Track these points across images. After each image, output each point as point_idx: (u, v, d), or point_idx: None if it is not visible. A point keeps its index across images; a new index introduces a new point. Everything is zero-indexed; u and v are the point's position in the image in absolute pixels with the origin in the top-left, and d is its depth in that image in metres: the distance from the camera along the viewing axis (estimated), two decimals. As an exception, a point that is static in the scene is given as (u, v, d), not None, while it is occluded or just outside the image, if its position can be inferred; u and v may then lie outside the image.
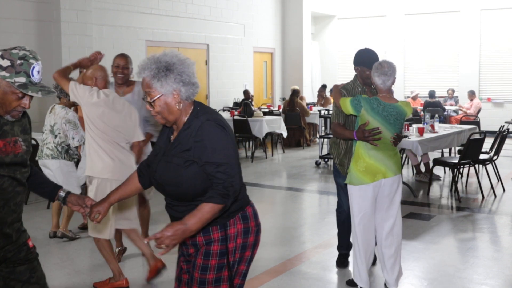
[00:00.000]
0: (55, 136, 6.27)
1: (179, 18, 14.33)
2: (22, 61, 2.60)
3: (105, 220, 4.81)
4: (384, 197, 4.74)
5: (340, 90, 5.08)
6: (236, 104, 15.79)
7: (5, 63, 2.59)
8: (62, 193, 3.08)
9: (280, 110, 15.11)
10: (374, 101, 4.61)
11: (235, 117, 12.85)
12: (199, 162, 2.70)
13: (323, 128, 13.46)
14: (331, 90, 16.89)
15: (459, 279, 5.29)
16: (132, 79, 5.99)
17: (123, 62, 5.89)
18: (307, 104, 15.82)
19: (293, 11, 18.54)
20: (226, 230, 2.84)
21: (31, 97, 2.68)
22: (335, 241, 5.77)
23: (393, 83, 4.69)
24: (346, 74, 18.63)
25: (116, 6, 12.55)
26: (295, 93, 14.39)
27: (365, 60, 5.07)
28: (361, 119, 4.63)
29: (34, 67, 2.63)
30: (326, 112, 13.73)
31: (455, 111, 16.64)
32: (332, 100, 16.73)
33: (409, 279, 5.27)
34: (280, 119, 13.56)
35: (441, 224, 7.17)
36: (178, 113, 2.76)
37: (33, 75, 2.62)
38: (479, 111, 16.13)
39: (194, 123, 2.74)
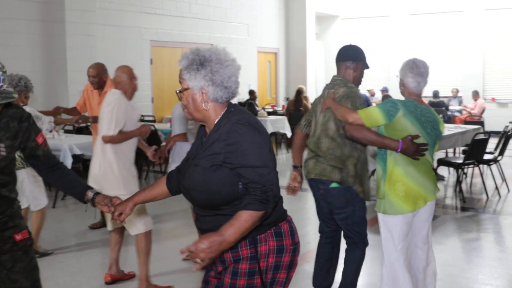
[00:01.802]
0: None
1: (183, 18, 14.34)
2: None
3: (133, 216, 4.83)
4: (422, 222, 4.06)
5: (338, 102, 4.10)
6: (240, 104, 15.78)
7: None
8: (90, 194, 3.06)
9: (285, 110, 15.12)
10: (409, 103, 3.88)
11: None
12: (232, 167, 2.48)
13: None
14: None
15: (464, 279, 5.29)
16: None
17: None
18: (311, 104, 15.82)
19: (297, 11, 18.55)
20: (257, 247, 2.58)
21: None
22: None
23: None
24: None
25: (120, 6, 12.57)
26: (301, 93, 14.40)
27: (364, 56, 4.39)
28: (390, 128, 3.83)
29: None
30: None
31: (459, 111, 16.62)
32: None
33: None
34: (284, 119, 13.57)
35: (446, 224, 7.17)
36: (205, 112, 2.60)
37: None
38: (483, 111, 16.12)
39: (224, 125, 2.54)
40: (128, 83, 4.97)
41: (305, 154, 4.52)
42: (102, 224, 7.05)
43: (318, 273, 4.61)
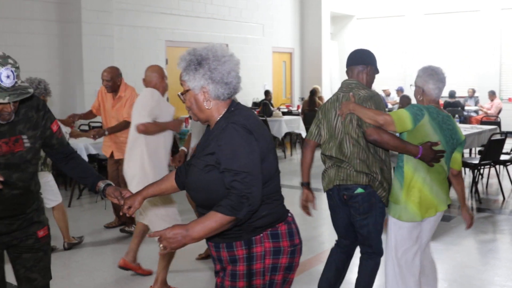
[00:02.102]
0: None
1: (199, 18, 14.37)
2: None
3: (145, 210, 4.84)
4: (426, 231, 4.01)
5: (362, 103, 4.01)
6: (255, 104, 15.82)
7: None
8: (101, 185, 3.11)
9: (299, 110, 15.11)
10: (432, 109, 3.84)
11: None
12: (219, 168, 2.46)
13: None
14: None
15: (480, 280, 5.26)
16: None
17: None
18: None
19: (312, 11, 18.52)
20: (251, 248, 2.57)
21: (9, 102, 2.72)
22: None
23: None
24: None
25: (136, 7, 12.62)
26: (315, 93, 14.38)
27: (375, 60, 4.33)
28: (413, 134, 3.78)
29: (1, 73, 2.64)
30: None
31: (476, 111, 16.52)
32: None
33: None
34: (299, 119, 13.56)
35: (462, 225, 7.12)
36: (208, 112, 2.59)
37: (2, 81, 2.64)
38: (499, 111, 16.01)
39: (221, 125, 2.52)
40: (159, 83, 4.95)
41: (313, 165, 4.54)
42: (117, 223, 7.10)
43: (325, 280, 4.48)
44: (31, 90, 2.73)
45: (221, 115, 2.58)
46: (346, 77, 4.38)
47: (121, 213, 2.93)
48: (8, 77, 2.66)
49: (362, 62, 4.24)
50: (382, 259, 4.20)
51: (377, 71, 4.30)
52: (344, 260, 4.44)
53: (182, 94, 2.61)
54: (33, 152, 2.95)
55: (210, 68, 2.49)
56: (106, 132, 6.50)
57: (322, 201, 9.06)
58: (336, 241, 4.48)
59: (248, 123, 2.51)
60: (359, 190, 4.05)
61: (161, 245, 2.41)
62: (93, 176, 3.16)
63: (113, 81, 6.55)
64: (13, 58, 2.75)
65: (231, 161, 2.42)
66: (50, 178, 6.13)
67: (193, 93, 2.57)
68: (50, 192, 6.07)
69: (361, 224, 4.15)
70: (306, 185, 4.62)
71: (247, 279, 2.58)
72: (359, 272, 4.37)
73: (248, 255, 2.57)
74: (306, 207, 4.65)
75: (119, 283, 5.31)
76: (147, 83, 4.97)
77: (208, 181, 2.51)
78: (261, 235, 2.58)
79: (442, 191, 3.93)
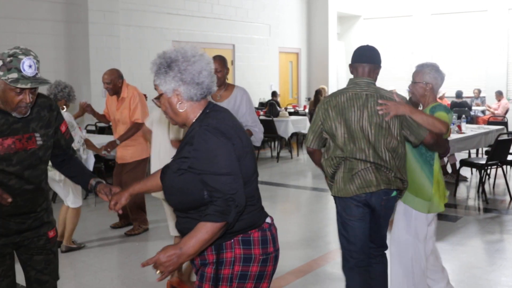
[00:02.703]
0: None
1: (205, 18, 14.39)
2: (11, 58, 2.71)
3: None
4: (434, 221, 4.37)
5: (411, 104, 3.99)
6: (261, 104, 15.82)
7: None
8: (93, 182, 3.14)
9: (306, 110, 15.11)
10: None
11: (261, 117, 12.86)
12: (196, 172, 2.40)
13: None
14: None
15: (486, 281, 5.25)
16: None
17: (217, 65, 5.99)
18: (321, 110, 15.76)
19: (319, 11, 18.52)
20: (221, 253, 2.51)
21: (31, 92, 2.79)
22: None
23: None
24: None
25: (143, 7, 12.65)
26: (320, 93, 14.38)
27: None
28: None
29: (24, 62, 2.71)
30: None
31: (482, 112, 16.48)
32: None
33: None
34: (306, 119, 13.56)
35: (468, 225, 7.11)
36: (183, 114, 2.54)
37: (24, 70, 2.71)
38: (507, 111, 15.96)
39: (195, 128, 2.47)
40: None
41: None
42: (123, 223, 7.11)
43: None
44: (50, 81, 2.81)
45: (196, 118, 2.53)
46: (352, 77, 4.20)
47: (108, 210, 2.94)
48: (30, 66, 2.73)
49: (377, 61, 4.03)
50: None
51: None
52: (368, 279, 4.07)
53: (156, 99, 2.57)
54: (44, 150, 3.00)
55: (180, 69, 2.45)
56: (118, 142, 6.52)
57: (327, 200, 9.08)
58: (353, 262, 4.00)
59: (221, 125, 2.45)
60: (394, 193, 3.94)
61: (157, 272, 2.39)
62: (86, 175, 3.21)
63: (113, 83, 6.50)
64: (34, 52, 2.82)
65: (209, 165, 2.37)
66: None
67: (166, 97, 2.52)
68: (76, 192, 6.12)
69: (383, 227, 4.05)
70: None
71: (213, 283, 2.51)
72: (379, 276, 4.15)
73: (217, 260, 2.51)
74: None
75: (124, 284, 5.32)
76: None
77: (181, 183, 2.45)
78: (232, 240, 2.50)
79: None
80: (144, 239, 6.67)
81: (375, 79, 4.01)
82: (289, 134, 12.80)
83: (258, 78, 16.24)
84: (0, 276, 3.05)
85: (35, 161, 2.96)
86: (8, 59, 2.70)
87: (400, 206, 4.23)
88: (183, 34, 13.80)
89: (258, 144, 4.98)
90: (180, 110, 2.52)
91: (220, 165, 2.36)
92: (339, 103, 3.89)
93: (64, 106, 6.12)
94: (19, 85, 2.69)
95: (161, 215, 7.53)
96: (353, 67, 4.04)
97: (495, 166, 8.77)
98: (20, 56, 2.71)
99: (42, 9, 10.58)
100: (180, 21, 13.69)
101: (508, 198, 8.54)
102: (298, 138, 14.19)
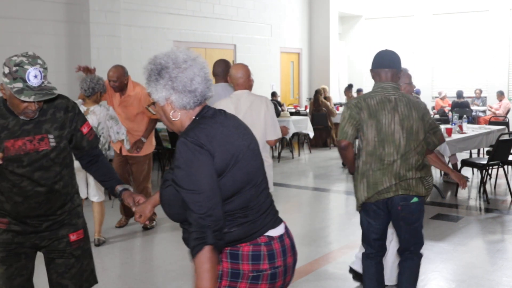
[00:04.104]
0: (100, 136, 5.99)
1: (207, 18, 14.40)
2: (17, 67, 2.71)
3: None
4: None
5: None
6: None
7: (6, 70, 2.73)
8: (119, 188, 3.17)
9: (307, 110, 15.12)
10: None
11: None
12: (175, 186, 2.29)
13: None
14: (358, 90, 16.86)
15: (488, 281, 5.25)
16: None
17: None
18: (334, 105, 15.79)
19: (320, 11, 18.52)
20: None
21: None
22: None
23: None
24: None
25: (144, 7, 12.66)
26: (319, 93, 14.39)
27: None
28: None
29: (29, 72, 2.71)
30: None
31: (484, 112, 16.48)
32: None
33: (436, 281, 5.24)
34: (307, 119, 13.56)
35: (469, 225, 7.11)
36: (177, 123, 2.39)
37: (29, 80, 2.71)
38: (508, 111, 15.96)
39: (179, 138, 2.31)
40: (247, 81, 5.02)
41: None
42: (125, 222, 7.13)
43: None
44: (56, 92, 2.79)
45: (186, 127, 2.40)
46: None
47: (136, 220, 2.95)
48: (35, 76, 2.73)
49: (399, 66, 4.14)
50: None
51: None
52: (382, 272, 4.27)
53: (149, 106, 2.48)
54: (57, 152, 2.98)
55: (171, 77, 2.31)
56: (144, 139, 6.66)
57: (329, 200, 9.08)
58: (368, 254, 4.23)
59: (202, 135, 2.27)
60: (415, 199, 3.97)
61: None
62: (113, 180, 3.23)
63: (120, 80, 6.50)
64: (42, 59, 2.82)
65: (183, 179, 2.24)
66: None
67: (159, 105, 2.38)
68: (96, 186, 6.22)
69: (409, 231, 4.06)
70: None
71: None
72: (403, 274, 4.19)
73: None
74: None
75: (126, 283, 5.32)
76: (239, 83, 4.99)
77: (167, 196, 2.36)
78: (220, 253, 2.35)
79: None
80: (145, 239, 6.68)
81: (397, 84, 4.08)
82: (290, 134, 12.80)
83: (260, 78, 16.23)
84: (13, 274, 3.03)
85: (47, 163, 2.94)
86: (14, 68, 2.70)
87: None
88: (185, 34, 13.81)
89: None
90: (174, 119, 2.38)
91: (192, 181, 2.22)
92: (370, 105, 3.95)
93: (99, 98, 6.25)
94: (22, 97, 2.69)
95: (162, 216, 7.55)
96: (375, 72, 4.10)
97: (496, 166, 8.77)
98: (26, 66, 2.71)
99: (43, 9, 10.58)
100: (181, 21, 13.69)
101: (509, 198, 8.54)
102: (299, 138, 14.19)
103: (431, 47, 19.08)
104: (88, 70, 6.68)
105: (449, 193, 8.99)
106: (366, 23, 20.96)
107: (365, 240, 4.20)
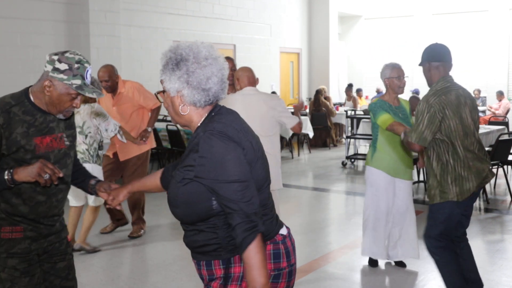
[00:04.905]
0: (86, 136, 5.85)
1: (206, 18, 14.40)
2: (78, 65, 2.78)
3: None
4: None
5: None
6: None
7: (63, 66, 2.75)
8: (93, 182, 3.15)
9: (307, 110, 15.12)
10: None
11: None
12: (204, 182, 2.19)
13: (349, 128, 13.42)
14: (357, 90, 16.86)
15: (487, 281, 5.24)
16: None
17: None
18: (334, 104, 15.80)
19: (319, 11, 18.52)
20: (229, 268, 2.30)
21: (81, 97, 2.86)
22: (361, 242, 5.76)
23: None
24: (373, 74, 18.58)
25: (144, 7, 12.66)
26: (319, 92, 14.39)
27: None
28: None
29: (88, 71, 2.81)
30: (353, 112, 13.66)
31: (483, 112, 16.49)
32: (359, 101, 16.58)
33: (436, 281, 5.24)
34: (306, 119, 13.56)
35: (469, 225, 7.10)
36: (185, 117, 2.33)
37: (86, 78, 2.80)
38: (507, 111, 15.96)
39: (199, 134, 2.26)
40: (253, 81, 5.31)
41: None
42: (112, 228, 6.98)
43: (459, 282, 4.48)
44: (102, 93, 2.87)
45: (201, 121, 2.33)
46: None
47: (106, 206, 2.95)
48: (90, 75, 2.85)
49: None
50: None
51: None
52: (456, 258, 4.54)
53: (158, 93, 2.42)
54: (73, 150, 3.06)
55: (188, 70, 2.24)
56: (149, 129, 6.58)
57: (328, 200, 9.08)
58: (444, 246, 4.44)
59: (228, 129, 2.24)
60: None
61: None
62: (87, 177, 3.22)
63: (112, 79, 6.37)
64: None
65: (218, 172, 2.16)
66: (101, 173, 6.06)
67: (169, 95, 2.32)
68: None
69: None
70: None
71: None
72: (469, 257, 4.64)
73: (225, 275, 2.31)
74: None
75: (125, 284, 5.32)
76: (249, 82, 5.31)
77: (187, 194, 2.25)
78: None
79: None
80: (144, 239, 6.67)
81: None
82: (290, 134, 12.79)
83: (259, 78, 16.17)
84: (37, 284, 2.94)
85: (66, 161, 2.98)
86: (76, 65, 2.75)
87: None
88: (184, 34, 13.81)
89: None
90: (182, 113, 2.32)
91: (230, 172, 2.15)
92: (451, 101, 4.06)
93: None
94: (86, 94, 2.74)
95: (161, 216, 7.55)
96: (433, 66, 4.23)
97: (496, 166, 8.77)
98: (85, 64, 2.79)
99: (43, 9, 10.58)
100: (181, 21, 13.70)
101: (509, 198, 8.54)
102: (299, 138, 14.19)
103: (431, 47, 19.07)
104: None
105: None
106: (365, 23, 20.96)
107: (448, 232, 4.38)
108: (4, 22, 9.95)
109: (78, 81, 2.75)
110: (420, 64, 4.33)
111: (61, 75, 2.74)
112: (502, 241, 6.58)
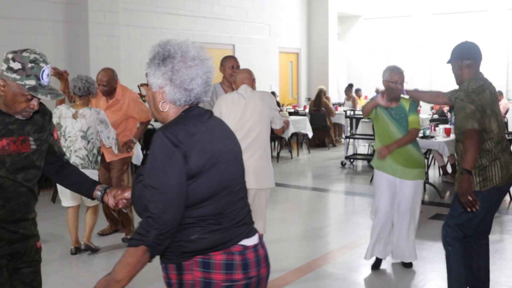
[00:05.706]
0: (88, 142, 5.78)
1: (205, 18, 14.40)
2: (32, 64, 2.63)
3: None
4: None
5: None
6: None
7: (16, 65, 2.62)
8: (98, 193, 2.99)
9: (306, 110, 15.12)
10: None
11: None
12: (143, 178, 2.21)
13: (348, 128, 13.43)
14: (356, 90, 16.86)
15: (486, 281, 5.25)
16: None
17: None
18: (333, 104, 15.80)
19: (319, 11, 18.51)
20: (181, 274, 2.27)
21: (39, 98, 2.71)
22: (360, 242, 5.78)
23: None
24: (372, 74, 18.60)
25: (143, 7, 12.66)
26: (322, 92, 14.40)
27: None
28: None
29: (44, 71, 2.65)
30: (352, 112, 13.67)
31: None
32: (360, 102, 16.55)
33: (435, 280, 5.24)
34: (306, 119, 13.57)
35: (468, 225, 7.10)
36: (163, 114, 2.31)
37: (42, 78, 2.65)
38: (507, 111, 15.97)
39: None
40: (251, 84, 5.34)
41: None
42: (111, 230, 6.93)
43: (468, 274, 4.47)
44: (61, 93, 2.72)
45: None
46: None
47: (113, 206, 2.88)
48: (48, 75, 2.68)
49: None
50: None
51: None
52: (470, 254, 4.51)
53: (142, 85, 2.41)
54: (38, 154, 2.88)
55: (173, 68, 2.22)
56: (135, 140, 6.47)
57: (328, 200, 9.08)
58: (460, 239, 4.34)
59: (183, 132, 2.19)
60: None
61: None
62: (88, 182, 3.08)
63: (110, 84, 6.28)
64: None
65: (148, 173, 2.18)
66: (97, 178, 6.01)
67: (151, 90, 2.30)
68: None
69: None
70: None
71: None
72: (484, 255, 4.49)
73: (179, 281, 2.29)
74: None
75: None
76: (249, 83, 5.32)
77: (139, 191, 2.26)
78: (191, 261, 2.25)
79: None
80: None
81: None
82: (289, 134, 12.80)
83: (258, 78, 16.06)
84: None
85: (29, 165, 2.84)
86: (30, 65, 2.62)
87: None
88: (183, 34, 13.80)
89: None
90: (162, 110, 2.30)
91: (158, 179, 2.15)
92: (487, 100, 4.13)
93: (91, 100, 6.04)
94: (39, 95, 2.62)
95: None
96: (465, 64, 4.29)
97: (495, 166, 8.77)
98: (41, 64, 2.64)
99: (42, 9, 10.58)
100: (180, 21, 13.70)
101: (508, 198, 8.55)
102: (298, 138, 14.19)
103: (430, 47, 19.07)
104: (60, 75, 6.14)
105: (447, 193, 9.00)
106: (365, 23, 20.95)
107: (468, 225, 4.30)
108: (3, 22, 9.94)
109: (32, 82, 2.62)
110: (449, 62, 4.36)
111: (14, 75, 2.62)
112: (501, 241, 6.58)
